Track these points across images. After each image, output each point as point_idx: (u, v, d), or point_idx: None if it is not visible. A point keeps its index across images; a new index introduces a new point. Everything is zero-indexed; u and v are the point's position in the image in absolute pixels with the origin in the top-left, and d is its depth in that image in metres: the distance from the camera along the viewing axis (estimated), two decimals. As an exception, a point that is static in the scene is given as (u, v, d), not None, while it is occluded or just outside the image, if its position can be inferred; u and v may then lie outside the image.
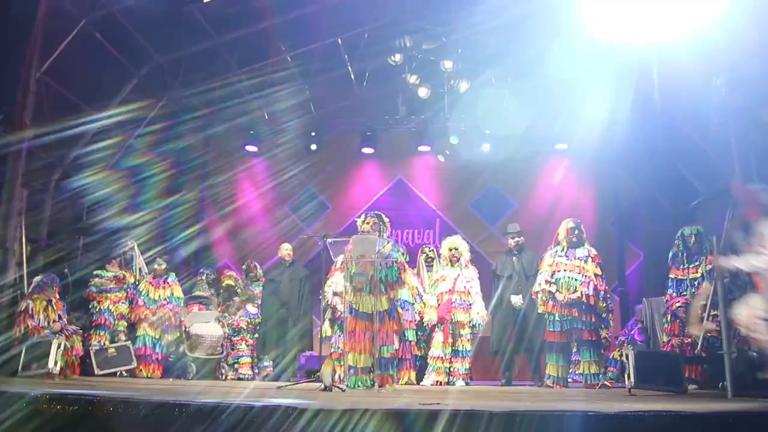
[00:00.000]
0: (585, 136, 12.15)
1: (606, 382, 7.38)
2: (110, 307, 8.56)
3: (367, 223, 6.51)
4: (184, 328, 8.55)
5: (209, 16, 9.97)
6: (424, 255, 8.93)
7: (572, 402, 4.14)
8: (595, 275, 7.37)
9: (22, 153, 7.76)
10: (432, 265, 8.85)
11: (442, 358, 8.15)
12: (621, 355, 8.03)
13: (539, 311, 7.59)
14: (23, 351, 6.71)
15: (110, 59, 10.19)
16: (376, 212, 6.71)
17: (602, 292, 7.43)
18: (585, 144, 12.23)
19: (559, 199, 12.08)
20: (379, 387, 5.98)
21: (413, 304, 8.31)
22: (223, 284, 9.61)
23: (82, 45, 9.37)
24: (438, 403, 3.45)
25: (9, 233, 7.53)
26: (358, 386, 6.05)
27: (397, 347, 7.41)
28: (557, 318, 7.41)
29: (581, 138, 12.19)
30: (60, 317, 7.46)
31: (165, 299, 8.76)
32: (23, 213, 7.92)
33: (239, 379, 8.74)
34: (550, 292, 7.40)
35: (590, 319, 7.32)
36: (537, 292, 7.57)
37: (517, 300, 8.13)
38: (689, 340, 6.82)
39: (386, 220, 6.67)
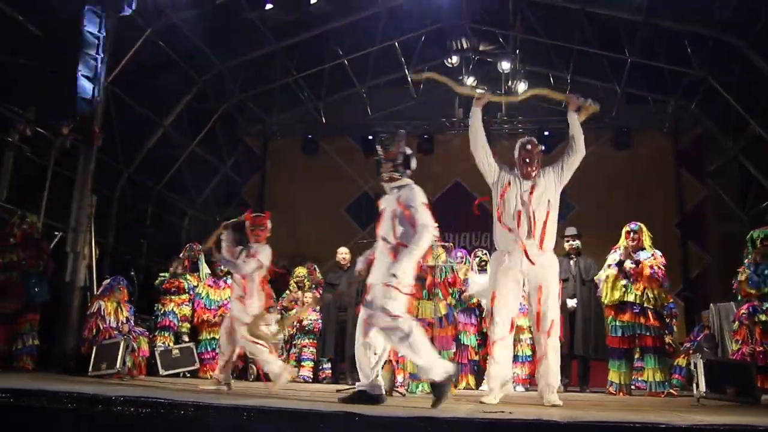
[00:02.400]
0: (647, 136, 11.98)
1: (672, 391, 7.17)
2: (174, 309, 8.77)
3: None
4: (245, 330, 8.68)
5: (269, 23, 10.15)
6: (477, 258, 8.79)
7: (639, 412, 4.03)
8: (660, 266, 7.14)
9: (92, 159, 8.01)
10: (485, 269, 8.73)
11: (501, 363, 8.06)
12: (687, 363, 7.79)
13: (603, 301, 7.38)
14: (94, 352, 6.93)
15: (173, 67, 10.50)
16: None
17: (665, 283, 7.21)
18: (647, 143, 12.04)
19: (620, 201, 11.81)
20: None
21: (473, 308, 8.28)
22: (294, 275, 9.71)
23: (147, 54, 9.68)
24: (502, 411, 3.42)
25: (79, 237, 7.79)
26: (419, 391, 6.05)
27: (455, 351, 7.40)
28: (618, 323, 7.23)
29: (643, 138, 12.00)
30: (128, 319, 7.67)
31: (226, 299, 8.87)
32: (92, 217, 8.18)
33: (301, 381, 8.82)
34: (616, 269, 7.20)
35: (655, 325, 7.11)
36: (600, 279, 7.38)
37: (572, 304, 8.00)
38: (761, 348, 6.57)
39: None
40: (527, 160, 4.79)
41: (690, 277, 11.56)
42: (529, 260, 4.63)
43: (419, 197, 4.22)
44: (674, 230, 11.73)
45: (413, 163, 4.39)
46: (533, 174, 4.78)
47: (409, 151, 4.42)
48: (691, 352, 8.18)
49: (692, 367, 5.69)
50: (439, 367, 3.92)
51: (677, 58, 10.57)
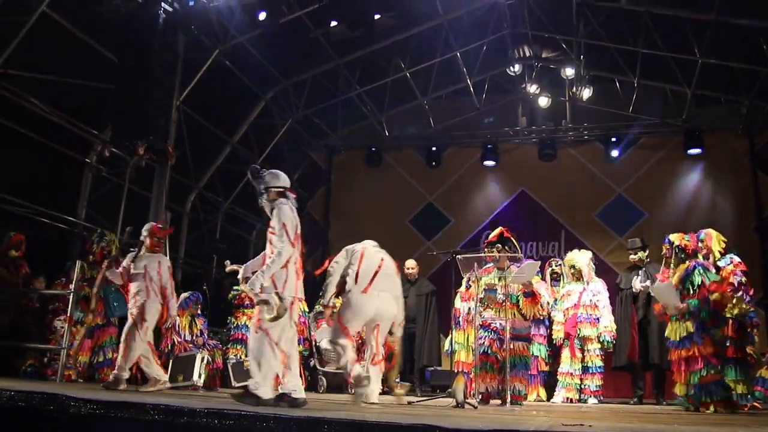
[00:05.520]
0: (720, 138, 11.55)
1: (756, 404, 6.87)
2: (246, 322, 8.90)
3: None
4: (314, 343, 8.77)
5: (331, 39, 10.31)
6: (550, 269, 8.74)
7: (726, 426, 3.89)
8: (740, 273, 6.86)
9: (167, 177, 8.28)
10: (558, 281, 8.66)
11: (571, 374, 7.97)
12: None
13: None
14: (170, 365, 7.13)
15: (239, 85, 10.78)
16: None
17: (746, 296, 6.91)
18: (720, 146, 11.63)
19: (693, 206, 11.45)
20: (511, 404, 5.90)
21: (542, 319, 8.16)
22: None
23: (214, 73, 9.97)
24: (581, 425, 3.35)
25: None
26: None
27: None
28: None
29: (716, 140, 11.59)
30: (201, 332, 7.87)
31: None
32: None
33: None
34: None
35: (735, 335, 6.82)
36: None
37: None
38: None
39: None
40: None
41: (771, 283, 11.07)
42: None
43: (282, 217, 4.74)
44: (752, 235, 11.27)
45: (274, 182, 4.96)
46: None
47: (268, 177, 4.94)
48: (775, 363, 7.85)
49: (780, 379, 5.47)
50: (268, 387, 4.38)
51: (749, 55, 10.19)
